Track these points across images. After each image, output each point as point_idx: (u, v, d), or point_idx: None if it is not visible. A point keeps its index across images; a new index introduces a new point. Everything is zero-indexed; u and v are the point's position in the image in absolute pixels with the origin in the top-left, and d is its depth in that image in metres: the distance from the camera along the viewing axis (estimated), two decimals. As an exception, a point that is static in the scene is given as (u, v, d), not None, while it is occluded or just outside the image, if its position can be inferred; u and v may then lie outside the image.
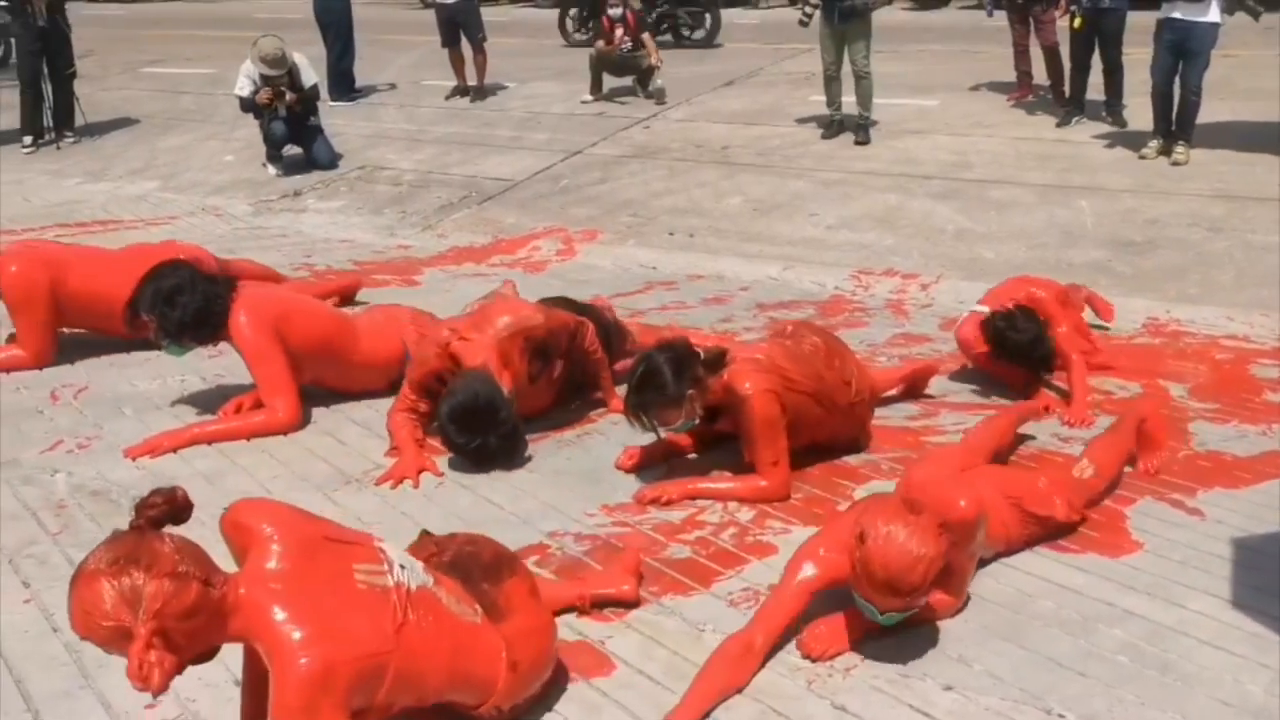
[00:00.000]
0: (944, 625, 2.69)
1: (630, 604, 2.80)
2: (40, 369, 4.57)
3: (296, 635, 1.93)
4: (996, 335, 4.05)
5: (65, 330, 4.69)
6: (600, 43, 10.42)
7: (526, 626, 2.36)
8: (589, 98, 10.47)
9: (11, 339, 4.70)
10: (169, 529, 1.99)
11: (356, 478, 3.65)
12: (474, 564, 2.41)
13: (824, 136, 8.72)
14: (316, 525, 2.20)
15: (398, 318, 4.44)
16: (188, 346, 3.97)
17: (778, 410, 3.30)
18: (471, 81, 10.66)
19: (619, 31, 10.37)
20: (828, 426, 3.53)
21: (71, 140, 9.80)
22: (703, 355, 3.32)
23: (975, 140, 8.44)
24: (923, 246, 6.33)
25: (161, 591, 1.85)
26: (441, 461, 3.70)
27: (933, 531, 2.47)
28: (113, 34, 16.72)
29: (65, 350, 4.65)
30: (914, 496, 2.63)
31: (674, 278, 5.91)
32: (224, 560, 2.08)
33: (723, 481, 3.45)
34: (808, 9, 8.54)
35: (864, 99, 8.50)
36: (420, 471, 3.63)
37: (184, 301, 3.82)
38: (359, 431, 3.99)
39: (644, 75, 10.49)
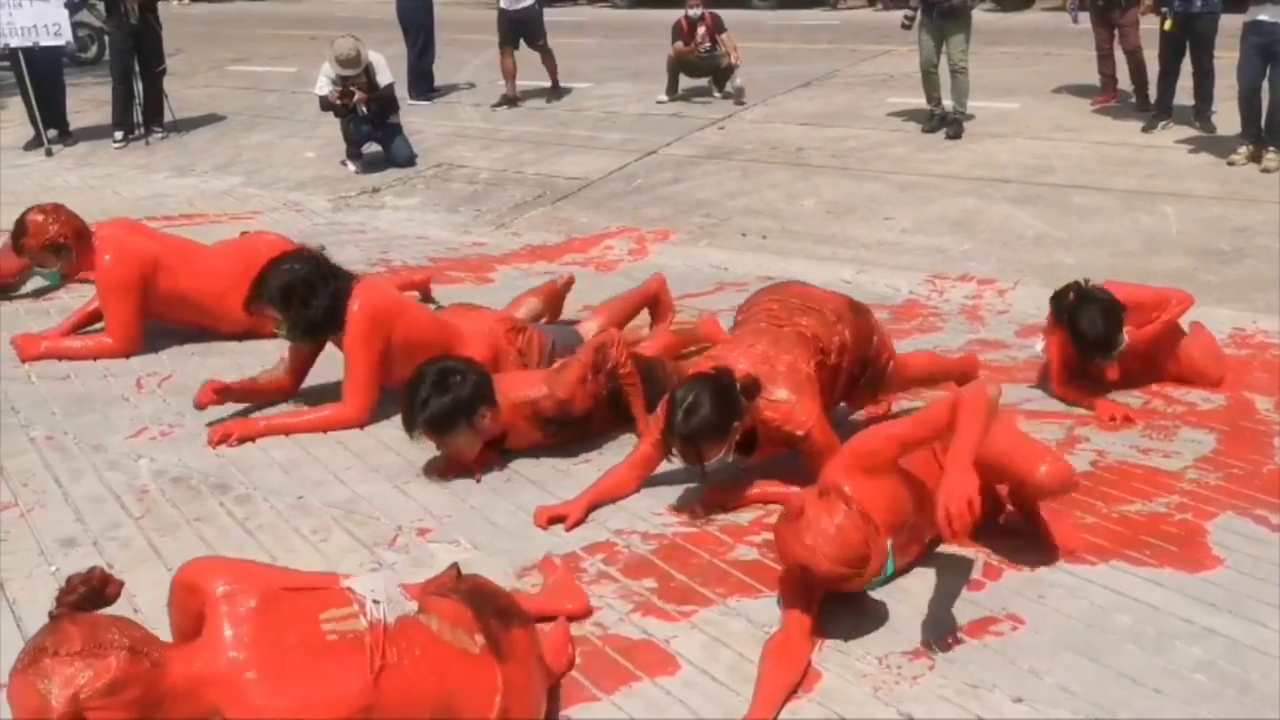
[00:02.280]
0: (1015, 637, 2.65)
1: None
2: (127, 358, 4.70)
3: (270, 707, 1.85)
4: (1064, 302, 3.95)
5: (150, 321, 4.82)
6: (678, 43, 10.42)
7: (523, 682, 2.26)
8: (664, 98, 10.48)
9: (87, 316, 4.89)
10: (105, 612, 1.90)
11: (427, 471, 3.69)
12: (488, 600, 2.35)
13: (924, 131, 8.77)
14: (274, 577, 2.13)
15: (486, 322, 4.42)
16: (309, 341, 4.04)
17: (829, 428, 3.28)
18: (516, 90, 10.71)
19: (700, 30, 10.36)
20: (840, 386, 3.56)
21: (160, 136, 10.07)
22: (739, 384, 3.19)
23: (1057, 144, 8.29)
24: (1000, 252, 6.22)
25: (72, 672, 1.74)
26: (510, 457, 3.73)
27: (827, 505, 2.55)
28: (200, 33, 17.14)
29: (150, 339, 4.78)
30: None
31: (745, 279, 5.87)
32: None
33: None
34: (908, 11, 8.73)
35: (960, 94, 8.58)
36: (481, 463, 3.63)
37: (316, 303, 3.88)
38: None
39: (721, 75, 10.47)
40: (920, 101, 9.07)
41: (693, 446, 3.13)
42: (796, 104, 10.30)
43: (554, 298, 4.83)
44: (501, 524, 3.31)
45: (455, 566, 2.52)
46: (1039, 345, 4.30)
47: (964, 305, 5.37)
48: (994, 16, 15.69)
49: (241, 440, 3.89)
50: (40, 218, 4.74)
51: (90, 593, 1.89)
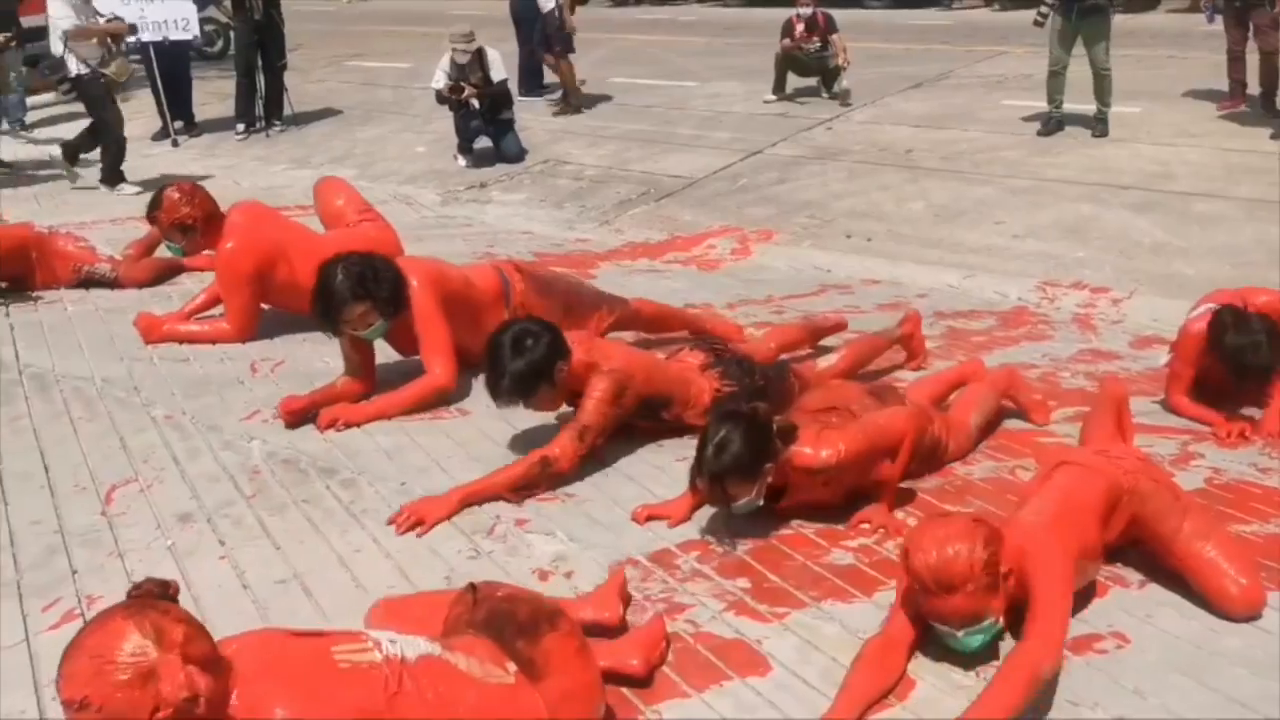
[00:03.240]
0: (1120, 656, 2.57)
1: (616, 629, 2.71)
2: (243, 343, 4.87)
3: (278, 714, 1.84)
4: (1219, 328, 3.76)
5: (266, 307, 4.98)
6: (785, 40, 10.36)
7: (568, 687, 2.21)
8: (771, 97, 10.43)
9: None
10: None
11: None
12: (508, 621, 2.26)
13: (1040, 133, 8.59)
14: (280, 631, 2.12)
15: (498, 266, 4.57)
16: (391, 321, 4.08)
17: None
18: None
19: (799, 28, 10.27)
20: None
21: (280, 129, 10.41)
22: (776, 426, 3.10)
23: (1180, 150, 8.01)
24: (1116, 260, 6.04)
25: (183, 628, 1.80)
26: (609, 454, 3.75)
27: (970, 526, 2.46)
28: (320, 29, 17.64)
29: (266, 326, 4.93)
30: None
31: (849, 281, 5.83)
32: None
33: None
34: (1043, 9, 8.51)
35: (1104, 92, 8.45)
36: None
37: (382, 276, 3.96)
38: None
39: (829, 76, 10.38)
40: (1037, 103, 8.85)
41: (720, 485, 3.01)
42: (907, 105, 10.15)
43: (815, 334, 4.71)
44: (598, 518, 3.34)
45: (470, 585, 2.43)
46: (1163, 358, 4.16)
47: (1076, 314, 5.24)
48: (1119, 18, 15.18)
49: (348, 425, 3.99)
50: (176, 196, 4.88)
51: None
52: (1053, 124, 8.63)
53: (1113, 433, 3.34)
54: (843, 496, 3.28)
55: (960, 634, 2.45)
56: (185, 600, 2.85)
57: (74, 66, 8.05)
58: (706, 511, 3.32)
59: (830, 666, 2.57)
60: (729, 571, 3.01)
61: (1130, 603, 2.79)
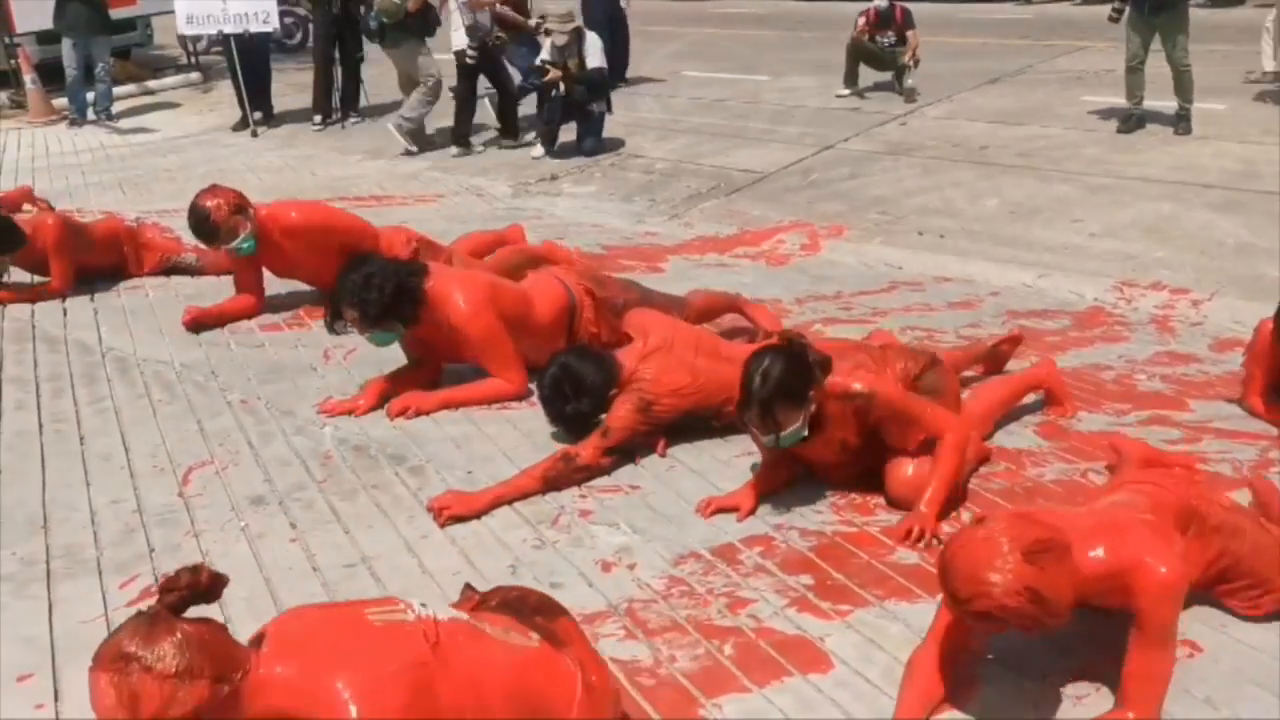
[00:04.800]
0: (1193, 666, 2.51)
1: None
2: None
3: (335, 684, 1.87)
4: None
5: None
6: (856, 31, 10.24)
7: (588, 658, 2.28)
8: (844, 91, 10.32)
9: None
10: (196, 610, 1.91)
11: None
12: (523, 603, 2.34)
13: (1119, 130, 8.39)
14: (310, 606, 2.21)
15: (559, 278, 4.50)
16: (392, 331, 4.06)
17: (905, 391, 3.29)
18: None
19: (862, 21, 10.14)
20: None
21: (355, 120, 10.56)
22: (813, 357, 3.15)
23: (1267, 148, 7.75)
24: (1197, 260, 5.88)
25: (160, 694, 1.77)
26: (674, 447, 3.76)
27: (1021, 556, 2.16)
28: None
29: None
30: None
31: (920, 279, 5.75)
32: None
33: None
34: (1117, 3, 8.32)
35: (1185, 90, 8.20)
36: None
37: (379, 284, 3.92)
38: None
39: (900, 72, 10.25)
40: (1118, 99, 8.65)
41: (770, 412, 3.06)
42: (983, 100, 9.98)
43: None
44: (661, 511, 3.35)
45: (468, 587, 2.52)
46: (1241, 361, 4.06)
47: (1154, 315, 5.11)
48: (1204, 13, 14.79)
49: (418, 414, 4.04)
50: (211, 204, 4.89)
51: (195, 595, 1.90)
52: (1133, 121, 8.42)
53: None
54: (859, 462, 3.32)
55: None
56: (255, 582, 2.96)
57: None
58: (770, 506, 3.32)
59: (892, 666, 2.55)
60: (792, 567, 3.00)
61: (1204, 613, 2.73)
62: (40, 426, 4.12)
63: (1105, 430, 3.80)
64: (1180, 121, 8.27)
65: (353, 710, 1.84)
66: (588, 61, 8.54)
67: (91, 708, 1.83)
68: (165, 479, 3.65)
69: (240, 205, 4.90)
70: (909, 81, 10.08)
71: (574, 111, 8.73)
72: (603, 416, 3.67)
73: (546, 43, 8.61)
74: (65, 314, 5.36)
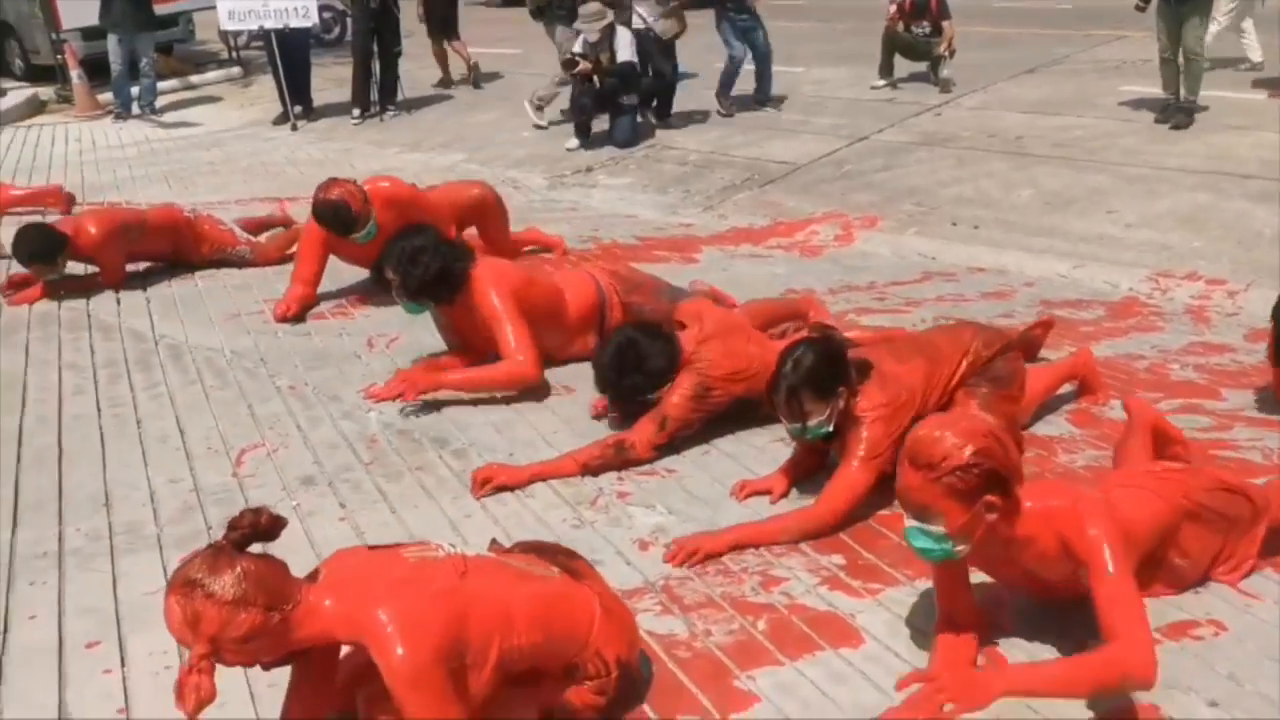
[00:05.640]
0: (1217, 643, 2.58)
1: None
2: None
3: (378, 614, 2.08)
4: None
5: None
6: (890, 22, 10.24)
7: (605, 588, 2.51)
8: (880, 82, 10.32)
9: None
10: (257, 548, 2.13)
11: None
12: (544, 546, 2.57)
13: (1157, 121, 8.32)
14: (360, 547, 2.45)
15: (593, 275, 4.61)
16: (424, 305, 4.22)
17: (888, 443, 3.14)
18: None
19: (893, 8, 10.14)
20: None
21: (393, 113, 10.69)
22: (852, 359, 3.20)
23: (1307, 138, 7.71)
24: (1234, 251, 5.87)
25: (218, 617, 2.01)
26: (709, 434, 3.83)
27: (983, 432, 2.35)
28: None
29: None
30: None
31: (953, 269, 5.78)
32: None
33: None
34: None
35: (1191, 82, 8.09)
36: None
37: (425, 261, 4.06)
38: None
39: (936, 62, 10.24)
40: (1155, 90, 8.61)
41: (796, 400, 3.11)
42: (1019, 91, 9.96)
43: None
44: (697, 493, 3.44)
45: (494, 541, 2.71)
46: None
47: (1189, 305, 5.12)
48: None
49: (423, 392, 4.09)
50: (341, 193, 4.97)
51: (256, 533, 2.12)
52: (1170, 112, 8.35)
53: (1149, 458, 3.18)
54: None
55: (909, 521, 2.39)
56: (307, 557, 3.07)
57: (636, 20, 8.90)
58: (802, 489, 3.40)
59: (921, 641, 2.62)
60: (824, 548, 3.08)
61: (1230, 593, 2.78)
62: (99, 410, 4.27)
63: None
64: (1178, 114, 8.14)
65: (394, 635, 2.06)
66: (618, 55, 8.66)
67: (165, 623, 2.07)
68: (219, 460, 3.80)
69: (364, 192, 5.04)
70: (945, 72, 10.07)
71: (606, 104, 8.85)
72: (652, 396, 3.74)
73: (579, 37, 8.74)
74: (119, 303, 5.53)
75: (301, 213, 5.80)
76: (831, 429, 3.17)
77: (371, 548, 2.40)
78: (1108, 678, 2.28)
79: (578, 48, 8.70)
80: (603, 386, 3.84)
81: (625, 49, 8.68)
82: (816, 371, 3.11)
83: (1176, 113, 8.17)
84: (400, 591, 2.13)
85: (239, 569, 2.06)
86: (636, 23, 8.90)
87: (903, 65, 10.47)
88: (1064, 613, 2.60)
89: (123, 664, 2.74)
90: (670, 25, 9.01)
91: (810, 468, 3.45)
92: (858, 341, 4.01)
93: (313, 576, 2.20)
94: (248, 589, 2.04)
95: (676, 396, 3.68)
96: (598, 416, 3.99)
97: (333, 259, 5.34)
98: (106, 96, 11.79)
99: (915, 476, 2.33)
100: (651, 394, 3.75)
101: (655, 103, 9.46)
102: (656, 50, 9.07)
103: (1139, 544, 2.54)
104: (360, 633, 2.11)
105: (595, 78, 8.68)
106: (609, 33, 8.63)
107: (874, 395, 3.17)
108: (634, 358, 3.70)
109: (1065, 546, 2.38)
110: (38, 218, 6.53)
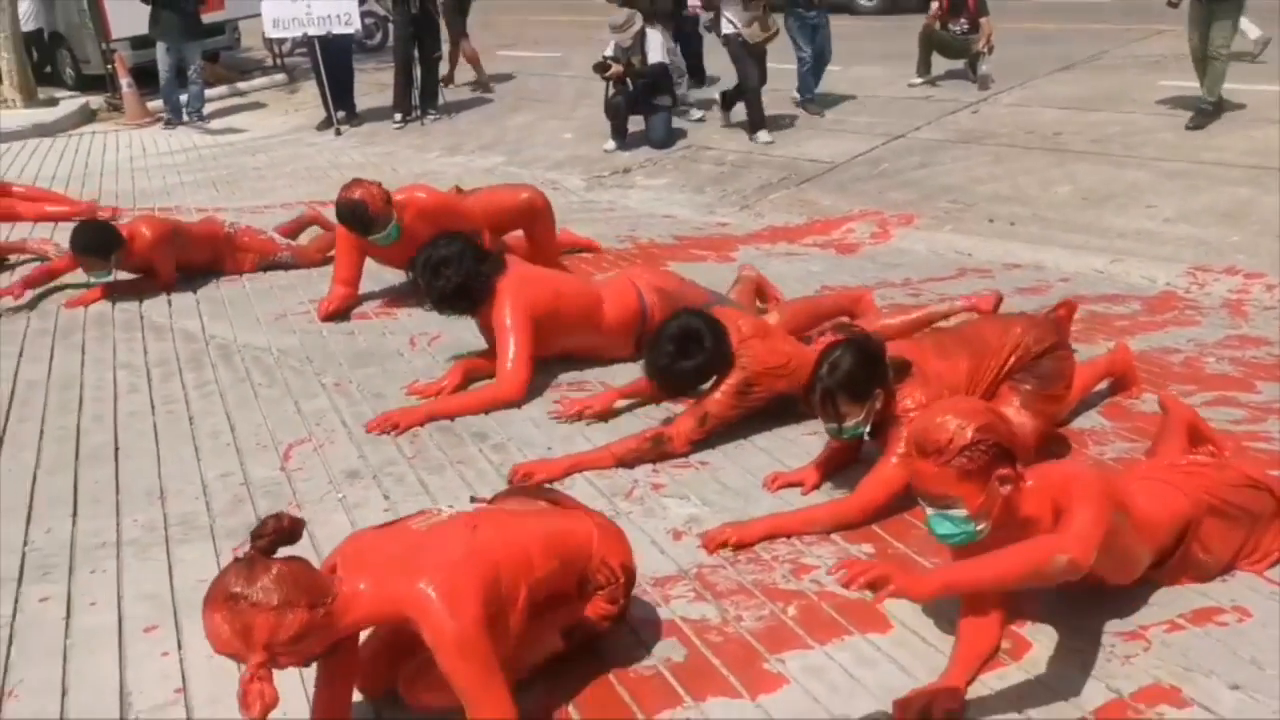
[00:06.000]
0: (1241, 629, 2.61)
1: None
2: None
3: (419, 587, 2.17)
4: None
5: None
6: (928, 19, 10.23)
7: (592, 511, 2.74)
8: (917, 80, 10.33)
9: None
10: (283, 551, 2.20)
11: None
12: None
13: (1188, 127, 8.19)
14: (365, 530, 2.54)
15: (634, 283, 4.61)
16: (446, 313, 4.35)
17: None
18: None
19: (936, 6, 10.13)
20: None
21: (434, 118, 10.84)
22: (891, 360, 3.23)
23: (1350, 132, 7.63)
24: (1273, 245, 5.84)
25: (267, 624, 2.07)
26: (743, 426, 3.90)
27: (980, 411, 2.44)
28: (472, 20, 18.12)
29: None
30: None
31: (989, 265, 5.80)
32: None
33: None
34: None
35: (1212, 81, 7.98)
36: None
37: (448, 274, 4.16)
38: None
39: (974, 59, 10.22)
40: (1194, 85, 8.54)
41: (832, 401, 3.16)
42: (1057, 87, 9.92)
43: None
44: (730, 485, 3.52)
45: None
46: None
47: (1227, 299, 5.11)
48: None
49: (406, 429, 4.05)
50: (362, 193, 5.06)
51: (280, 538, 2.18)
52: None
53: (1181, 454, 3.18)
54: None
55: (929, 511, 2.43)
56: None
57: (725, 25, 8.80)
58: (834, 480, 3.46)
59: (949, 628, 2.68)
60: (855, 538, 3.15)
61: (1256, 582, 2.81)
62: (152, 408, 4.42)
63: (1168, 413, 3.86)
64: (1197, 113, 8.06)
65: (440, 606, 2.16)
66: (649, 57, 8.81)
67: (210, 643, 2.12)
68: (268, 455, 3.93)
69: (387, 195, 5.13)
70: (984, 68, 10.05)
71: (640, 105, 8.97)
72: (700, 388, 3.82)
73: (611, 41, 8.89)
74: (170, 305, 5.70)
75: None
76: (869, 430, 3.23)
77: (377, 527, 2.50)
78: (1038, 557, 2.29)
79: (609, 52, 8.84)
80: (650, 365, 3.81)
81: (656, 51, 8.83)
82: (853, 374, 3.15)
83: (1197, 112, 8.09)
84: (429, 561, 2.23)
85: (275, 572, 2.12)
86: (726, 28, 8.77)
87: (940, 63, 10.46)
88: (1084, 595, 2.65)
89: (179, 647, 2.86)
90: (756, 30, 8.70)
91: (843, 462, 3.51)
92: (901, 333, 4.07)
93: (330, 570, 2.28)
94: (288, 591, 2.10)
95: (720, 394, 3.75)
96: (564, 416, 4.05)
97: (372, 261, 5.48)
98: (155, 104, 12.07)
99: (927, 466, 2.38)
100: (697, 387, 3.82)
101: (738, 108, 9.17)
102: (745, 55, 8.78)
103: (1158, 536, 2.60)
104: (403, 609, 2.19)
105: (627, 80, 8.81)
106: (640, 37, 8.79)
107: (914, 394, 3.20)
108: (696, 347, 3.71)
109: (1059, 513, 2.40)
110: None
